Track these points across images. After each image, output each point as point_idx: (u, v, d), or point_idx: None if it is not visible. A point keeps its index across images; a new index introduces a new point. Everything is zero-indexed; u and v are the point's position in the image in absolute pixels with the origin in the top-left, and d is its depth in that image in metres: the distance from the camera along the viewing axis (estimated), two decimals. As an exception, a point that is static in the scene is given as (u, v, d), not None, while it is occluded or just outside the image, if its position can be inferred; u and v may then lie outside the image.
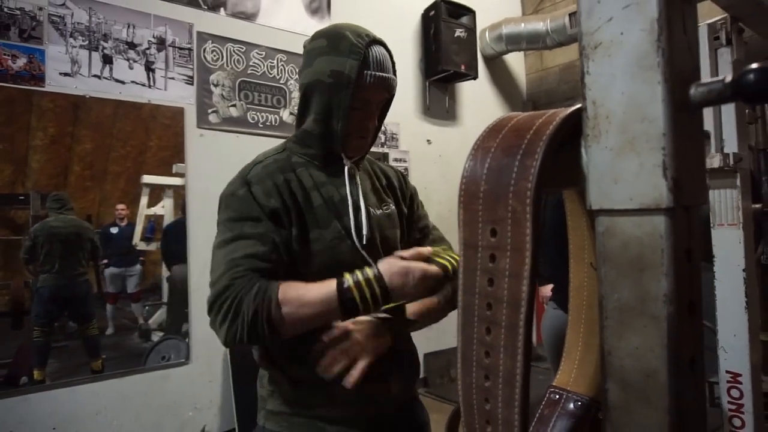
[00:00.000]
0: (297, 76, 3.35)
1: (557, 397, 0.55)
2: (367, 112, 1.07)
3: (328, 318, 0.94)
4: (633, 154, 0.38)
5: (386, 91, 1.08)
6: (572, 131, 0.44)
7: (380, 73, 1.04)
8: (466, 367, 0.45)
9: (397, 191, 1.23)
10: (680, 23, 0.38)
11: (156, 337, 3.00)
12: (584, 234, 0.56)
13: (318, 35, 1.07)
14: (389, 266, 0.95)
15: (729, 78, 0.36)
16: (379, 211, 1.13)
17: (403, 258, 0.97)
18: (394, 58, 1.11)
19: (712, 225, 1.41)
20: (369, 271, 0.94)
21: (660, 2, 0.37)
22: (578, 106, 0.43)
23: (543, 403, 0.56)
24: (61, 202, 2.68)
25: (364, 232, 1.07)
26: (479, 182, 0.43)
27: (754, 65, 0.36)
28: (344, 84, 1.00)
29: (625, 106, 0.39)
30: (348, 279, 0.93)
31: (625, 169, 0.39)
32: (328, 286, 0.92)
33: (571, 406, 0.54)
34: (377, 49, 1.05)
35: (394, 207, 1.18)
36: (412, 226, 1.24)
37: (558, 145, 0.44)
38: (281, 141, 1.17)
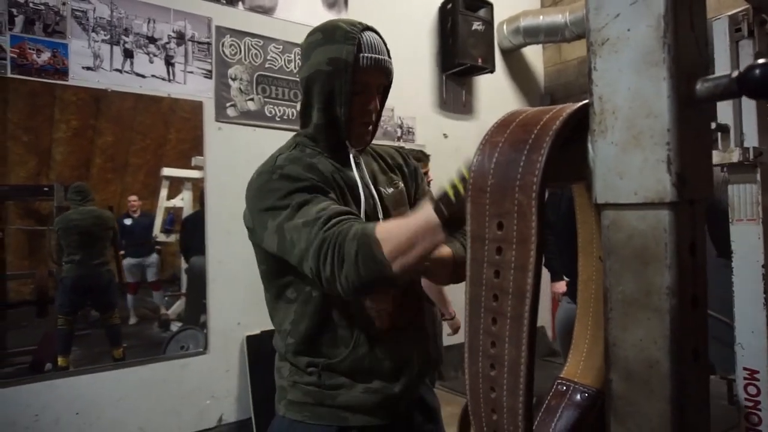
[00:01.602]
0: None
1: (564, 388, 0.56)
2: (367, 96, 1.09)
3: (430, 235, 0.82)
4: (638, 149, 0.39)
5: (383, 74, 1.10)
6: (580, 126, 0.44)
7: (376, 55, 1.07)
8: (473, 357, 0.46)
9: (404, 168, 1.26)
10: (687, 19, 0.39)
11: (175, 327, 3.07)
12: (593, 228, 0.56)
13: (313, 31, 1.11)
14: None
15: (735, 73, 0.36)
16: (390, 190, 1.16)
17: None
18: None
19: (730, 220, 1.40)
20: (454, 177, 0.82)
21: (667, -2, 0.37)
22: (585, 101, 0.43)
23: (550, 393, 0.57)
24: (81, 194, 2.75)
25: (380, 216, 1.09)
26: (487, 176, 0.44)
27: (761, 61, 0.36)
28: (342, 69, 1.03)
29: (631, 102, 0.39)
30: (441, 189, 0.82)
31: (631, 163, 0.39)
32: (425, 208, 0.84)
33: (578, 397, 0.55)
34: (370, 35, 1.08)
35: (402, 185, 1.21)
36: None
37: (565, 140, 0.44)
38: (298, 135, 1.19)
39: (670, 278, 0.38)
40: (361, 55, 1.05)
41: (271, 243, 0.98)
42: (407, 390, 1.11)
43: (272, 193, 0.98)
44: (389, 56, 1.12)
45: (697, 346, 0.40)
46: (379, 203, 1.11)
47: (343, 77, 1.04)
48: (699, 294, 0.40)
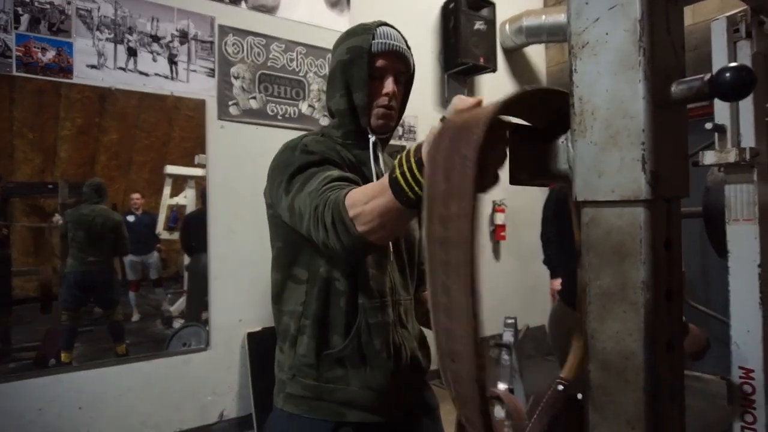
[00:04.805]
0: (316, 68, 3.39)
1: (562, 387, 0.58)
2: (384, 80, 1.14)
3: (390, 205, 0.84)
4: (615, 149, 0.40)
5: (399, 60, 1.14)
6: (558, 125, 0.46)
7: (389, 41, 1.13)
8: (436, 311, 0.48)
9: None
10: (664, 24, 0.40)
11: (177, 324, 3.09)
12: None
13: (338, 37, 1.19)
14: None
15: (707, 77, 0.38)
16: None
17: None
18: (414, 51, 1.20)
19: (727, 220, 1.40)
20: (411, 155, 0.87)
21: (643, 4, 0.39)
22: (505, 97, 0.45)
23: (549, 392, 0.58)
24: (98, 192, 2.79)
25: None
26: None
27: (732, 64, 0.37)
28: (358, 55, 1.11)
29: (609, 103, 0.41)
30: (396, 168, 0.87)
31: (608, 162, 0.41)
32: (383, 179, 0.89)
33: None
34: (385, 28, 1.15)
35: None
36: None
37: (536, 139, 0.46)
38: (300, 133, 1.21)
39: (644, 273, 0.39)
40: (375, 41, 1.12)
41: (286, 216, 1.04)
42: (405, 385, 1.12)
43: (291, 166, 1.03)
44: (407, 47, 1.17)
45: (671, 339, 0.41)
46: None
47: (359, 62, 1.11)
48: (674, 288, 0.41)
